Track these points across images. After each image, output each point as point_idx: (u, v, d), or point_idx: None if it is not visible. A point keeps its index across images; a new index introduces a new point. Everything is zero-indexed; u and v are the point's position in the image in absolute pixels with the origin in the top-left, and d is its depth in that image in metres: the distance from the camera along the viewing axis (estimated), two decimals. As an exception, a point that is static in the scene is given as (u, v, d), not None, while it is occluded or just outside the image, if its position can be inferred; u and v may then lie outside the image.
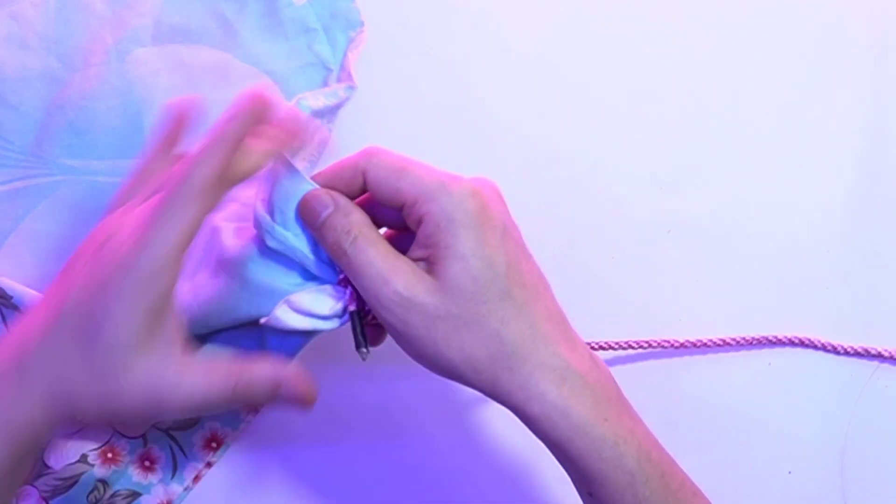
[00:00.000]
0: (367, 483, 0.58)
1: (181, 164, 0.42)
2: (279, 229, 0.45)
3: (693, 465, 0.57)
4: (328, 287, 0.46)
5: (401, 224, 0.46)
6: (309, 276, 0.46)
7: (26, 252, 0.56)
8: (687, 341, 0.58)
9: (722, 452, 0.58)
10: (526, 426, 0.44)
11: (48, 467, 0.56)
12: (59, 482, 0.56)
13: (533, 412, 0.43)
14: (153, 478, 0.57)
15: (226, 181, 0.42)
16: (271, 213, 0.45)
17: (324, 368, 0.58)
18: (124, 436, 0.57)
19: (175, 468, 0.57)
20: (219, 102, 0.56)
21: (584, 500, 0.46)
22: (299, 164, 0.53)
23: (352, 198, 0.45)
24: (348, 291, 0.45)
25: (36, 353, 0.42)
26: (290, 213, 0.45)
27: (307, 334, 0.47)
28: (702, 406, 0.59)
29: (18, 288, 0.55)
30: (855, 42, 0.62)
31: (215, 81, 0.58)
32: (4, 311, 0.55)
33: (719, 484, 0.58)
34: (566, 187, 0.60)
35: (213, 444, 0.57)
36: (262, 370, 0.44)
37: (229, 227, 0.48)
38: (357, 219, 0.44)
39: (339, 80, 0.58)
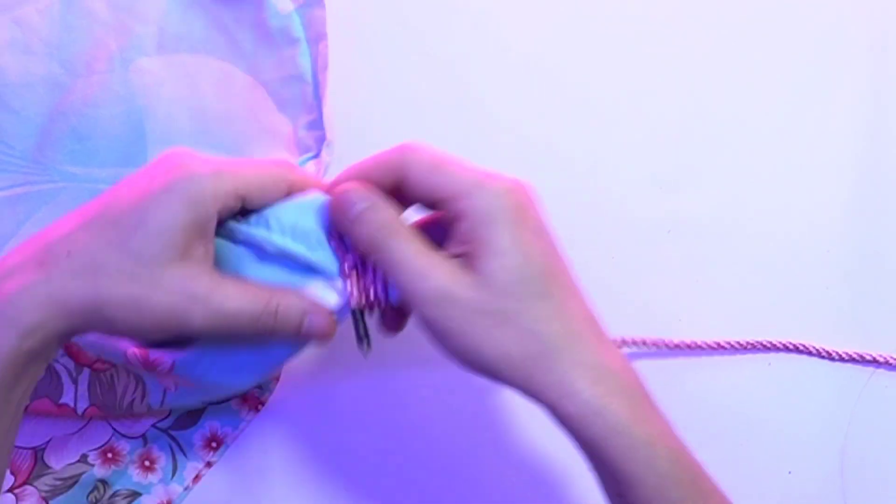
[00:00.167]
0: (367, 482, 0.58)
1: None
2: (276, 236, 0.45)
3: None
4: (331, 282, 0.46)
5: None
6: (310, 273, 0.46)
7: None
8: (682, 343, 0.58)
9: (722, 453, 0.58)
10: (558, 425, 0.44)
11: (48, 467, 0.56)
12: (59, 482, 0.56)
13: (567, 411, 0.43)
14: (153, 477, 0.57)
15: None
16: (264, 226, 0.45)
17: (323, 368, 0.59)
18: (125, 436, 0.57)
19: (175, 468, 0.57)
20: (221, 113, 0.57)
21: (612, 502, 0.45)
22: None
23: (387, 189, 0.45)
24: (348, 286, 0.45)
25: (68, 241, 0.42)
26: (287, 219, 0.45)
27: None
28: (702, 406, 0.58)
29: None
30: (855, 42, 0.62)
31: (218, 92, 0.58)
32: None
33: (719, 484, 0.58)
34: (566, 187, 0.60)
35: (213, 444, 0.57)
36: (293, 297, 0.44)
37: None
38: (393, 214, 0.44)
39: (316, 97, 0.58)
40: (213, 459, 0.57)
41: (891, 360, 0.58)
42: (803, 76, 0.62)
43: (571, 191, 0.60)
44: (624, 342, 0.57)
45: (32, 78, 0.56)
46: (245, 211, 0.45)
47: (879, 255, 0.60)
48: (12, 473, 0.56)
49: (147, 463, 0.57)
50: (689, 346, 0.58)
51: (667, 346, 0.58)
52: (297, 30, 0.58)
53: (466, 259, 0.44)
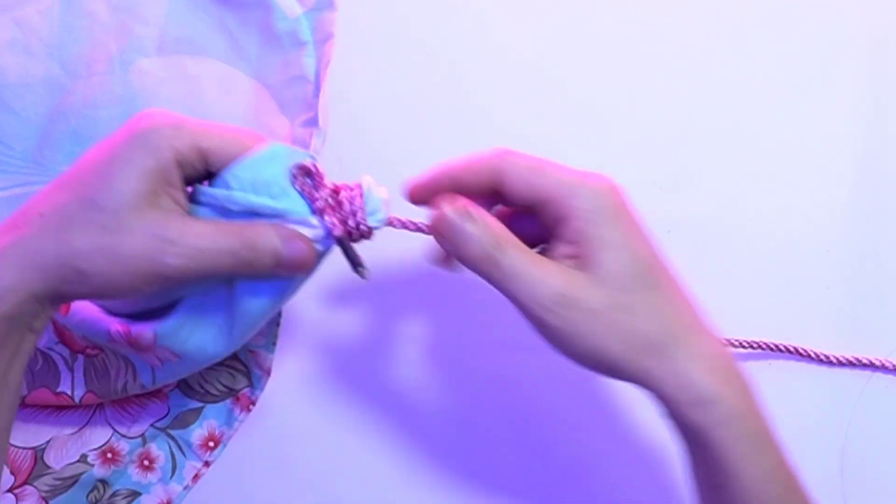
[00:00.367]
0: (367, 481, 0.58)
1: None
2: (238, 193, 0.44)
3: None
4: (305, 224, 0.45)
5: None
6: (281, 221, 0.45)
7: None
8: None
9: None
10: (668, 415, 0.44)
11: (48, 467, 0.56)
12: (58, 482, 0.56)
13: (682, 399, 0.43)
14: (153, 477, 0.57)
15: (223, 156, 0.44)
16: (224, 186, 0.45)
17: (323, 367, 0.59)
18: (124, 436, 0.57)
19: (174, 467, 0.57)
20: (221, 115, 0.57)
21: (702, 493, 0.46)
22: None
23: (480, 194, 0.45)
24: (326, 220, 0.45)
25: (40, 203, 0.43)
26: (244, 174, 0.44)
27: (277, 288, 0.47)
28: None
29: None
30: (855, 42, 0.62)
31: (219, 94, 0.58)
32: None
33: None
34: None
35: (211, 444, 0.57)
36: (267, 228, 0.44)
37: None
38: (497, 226, 0.44)
39: (315, 95, 0.58)
40: (210, 459, 0.57)
41: (888, 364, 0.58)
42: (803, 76, 0.62)
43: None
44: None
45: (32, 79, 0.56)
46: (211, 177, 0.46)
47: (879, 255, 0.60)
48: (12, 473, 0.56)
49: (146, 462, 0.57)
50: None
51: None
52: (306, 33, 0.59)
53: (578, 258, 0.44)
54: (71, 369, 0.54)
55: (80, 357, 0.54)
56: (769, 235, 0.60)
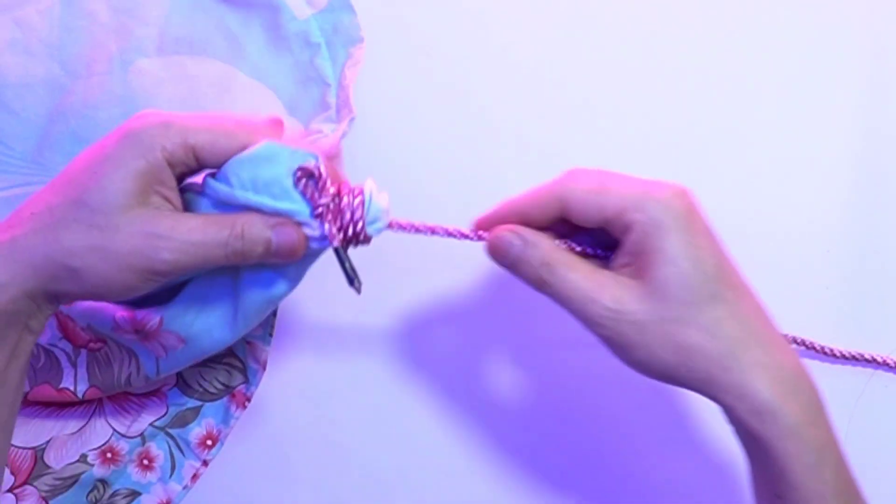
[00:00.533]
0: (365, 479, 0.58)
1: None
2: (238, 192, 0.45)
3: (693, 464, 0.57)
4: (305, 226, 0.45)
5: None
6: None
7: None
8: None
9: (722, 452, 0.58)
10: (730, 423, 0.44)
11: (48, 467, 0.56)
12: (58, 482, 0.56)
13: (743, 410, 0.43)
14: (152, 476, 0.57)
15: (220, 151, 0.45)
16: (225, 182, 0.45)
17: (322, 367, 0.59)
18: (124, 436, 0.57)
19: (173, 466, 0.57)
20: (220, 114, 0.57)
21: (763, 501, 0.46)
22: None
23: (547, 223, 0.46)
24: (325, 227, 0.45)
25: (32, 204, 0.44)
26: (245, 174, 0.45)
27: (282, 276, 0.47)
28: (702, 405, 0.58)
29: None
30: (855, 42, 0.62)
31: (219, 94, 0.58)
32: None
33: (720, 484, 0.58)
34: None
35: (209, 442, 0.57)
36: (256, 217, 0.44)
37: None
38: (548, 246, 0.45)
39: (336, 97, 0.58)
40: (209, 458, 0.57)
41: (890, 361, 0.58)
42: (803, 76, 0.62)
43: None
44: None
45: (32, 79, 0.56)
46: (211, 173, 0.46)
47: (879, 255, 0.60)
48: (12, 473, 0.56)
49: (146, 462, 0.57)
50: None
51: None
52: (316, 35, 0.58)
53: (635, 270, 0.44)
54: (74, 365, 0.54)
55: (84, 352, 0.54)
56: (769, 235, 0.60)
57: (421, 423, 0.59)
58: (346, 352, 0.59)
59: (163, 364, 0.51)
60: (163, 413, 0.58)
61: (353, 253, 0.46)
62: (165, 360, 0.51)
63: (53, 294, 0.43)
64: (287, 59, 0.58)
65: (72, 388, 0.54)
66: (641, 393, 0.58)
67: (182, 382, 0.58)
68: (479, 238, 0.47)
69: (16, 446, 0.56)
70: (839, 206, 0.60)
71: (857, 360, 0.58)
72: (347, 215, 0.45)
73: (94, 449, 0.57)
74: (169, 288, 0.48)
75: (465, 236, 0.48)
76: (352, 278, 0.47)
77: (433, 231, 0.48)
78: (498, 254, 0.46)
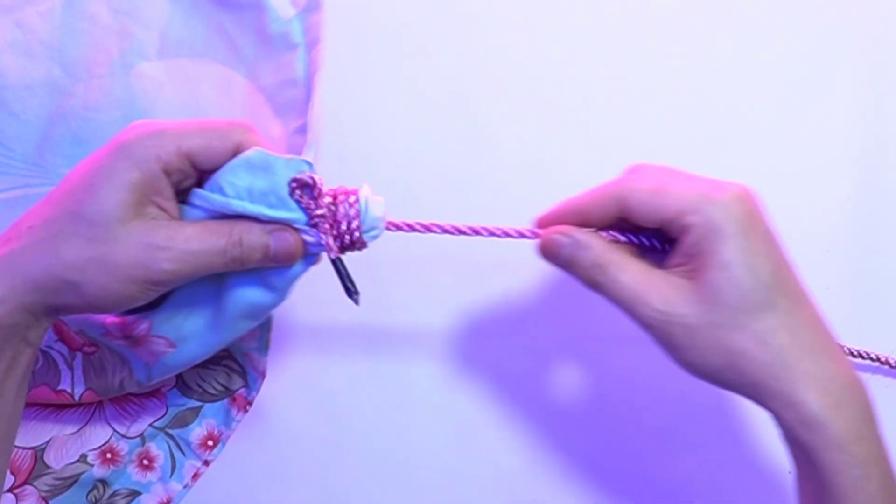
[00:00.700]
0: (366, 480, 0.58)
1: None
2: (234, 201, 0.45)
3: (693, 464, 0.57)
4: (303, 234, 0.46)
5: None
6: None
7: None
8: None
9: (722, 452, 0.58)
10: (779, 430, 0.44)
11: (48, 467, 0.56)
12: (58, 482, 0.56)
13: (791, 419, 0.43)
14: (152, 476, 0.57)
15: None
16: (219, 192, 0.45)
17: (323, 368, 0.59)
18: (124, 436, 0.57)
19: (174, 466, 0.57)
20: (221, 118, 0.56)
21: None
22: None
23: (606, 222, 0.46)
24: (322, 238, 0.45)
25: (30, 217, 0.44)
26: (240, 182, 0.45)
27: (264, 285, 0.47)
28: (702, 405, 0.58)
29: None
30: (855, 42, 0.62)
31: (219, 97, 0.57)
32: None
33: (719, 484, 0.58)
34: (565, 190, 0.60)
35: (210, 443, 0.58)
36: (252, 224, 0.45)
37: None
38: (599, 247, 0.45)
39: (306, 100, 0.58)
40: (210, 458, 0.58)
41: (891, 361, 0.58)
42: (803, 76, 0.62)
43: (571, 192, 0.60)
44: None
45: (33, 81, 0.56)
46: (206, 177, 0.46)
47: (879, 255, 0.60)
48: (12, 473, 0.56)
49: (146, 462, 0.57)
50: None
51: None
52: (297, 35, 0.58)
53: (690, 271, 0.44)
54: (70, 367, 0.54)
55: (79, 355, 0.54)
56: (768, 235, 0.60)
57: (421, 423, 0.59)
58: (347, 353, 0.59)
59: (154, 370, 0.51)
60: (162, 413, 0.58)
61: (352, 254, 0.47)
62: (156, 366, 0.51)
63: (53, 307, 0.44)
64: (274, 60, 0.57)
65: (69, 390, 0.55)
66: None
67: (181, 383, 0.58)
68: (535, 236, 0.48)
69: (16, 446, 0.56)
70: (839, 206, 0.60)
71: (857, 359, 0.58)
72: (344, 225, 0.45)
73: (94, 449, 0.57)
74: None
75: (522, 235, 0.48)
76: (350, 290, 0.47)
77: (477, 231, 0.48)
78: (549, 255, 0.46)
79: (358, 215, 0.45)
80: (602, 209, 0.46)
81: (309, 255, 0.46)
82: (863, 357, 0.58)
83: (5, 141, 0.56)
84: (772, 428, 0.44)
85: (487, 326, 0.59)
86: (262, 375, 0.58)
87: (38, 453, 0.57)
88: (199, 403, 0.58)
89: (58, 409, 0.57)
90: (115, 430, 0.57)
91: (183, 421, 0.58)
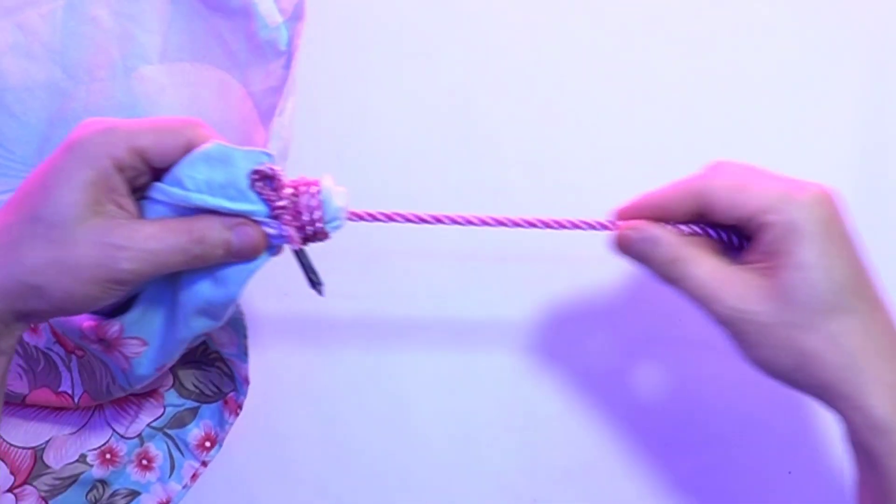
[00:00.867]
0: (365, 479, 0.58)
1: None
2: (194, 195, 0.44)
3: (693, 464, 0.57)
4: (261, 224, 0.45)
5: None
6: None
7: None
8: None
9: (722, 452, 0.58)
10: (844, 434, 0.44)
11: (47, 467, 0.57)
12: (58, 482, 0.56)
13: (857, 422, 0.43)
14: (151, 476, 0.57)
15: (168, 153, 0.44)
16: (178, 185, 0.45)
17: (322, 366, 0.59)
18: (123, 437, 0.57)
19: (173, 466, 0.58)
20: (220, 122, 0.56)
21: None
22: None
23: (685, 218, 0.46)
24: (284, 230, 0.45)
25: None
26: (199, 175, 0.44)
27: (215, 280, 0.47)
28: (702, 405, 0.58)
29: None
30: (855, 42, 0.62)
31: (217, 101, 0.58)
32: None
33: (719, 484, 0.58)
34: (565, 190, 0.61)
35: (207, 444, 0.58)
36: (213, 219, 0.44)
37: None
38: (673, 243, 0.45)
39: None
40: (208, 459, 0.58)
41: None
42: (803, 76, 0.62)
43: (570, 193, 0.61)
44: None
45: (34, 83, 0.56)
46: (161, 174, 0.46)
47: (879, 254, 0.59)
48: (12, 473, 0.56)
49: (145, 462, 0.57)
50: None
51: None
52: (283, 43, 0.58)
53: (766, 269, 0.44)
54: (69, 369, 0.55)
55: (74, 357, 0.54)
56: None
57: (421, 422, 0.59)
58: (346, 351, 0.59)
59: (130, 375, 0.51)
60: (160, 414, 0.58)
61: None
62: (131, 371, 0.50)
63: (21, 313, 0.43)
64: (262, 66, 0.57)
65: (70, 391, 0.55)
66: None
67: (178, 384, 0.58)
68: (615, 227, 0.48)
69: (16, 446, 0.57)
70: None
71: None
72: (306, 216, 0.45)
73: (94, 449, 0.57)
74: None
75: (604, 227, 0.48)
76: (314, 281, 0.47)
77: (547, 224, 0.48)
78: (624, 249, 0.47)
79: (320, 206, 0.45)
80: (681, 204, 0.46)
81: (270, 247, 0.46)
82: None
83: (6, 143, 0.56)
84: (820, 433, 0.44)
85: (488, 326, 0.59)
86: (246, 381, 0.57)
87: (38, 453, 0.57)
88: (196, 404, 0.58)
89: (57, 409, 0.58)
90: (114, 430, 0.58)
91: (181, 421, 0.58)
